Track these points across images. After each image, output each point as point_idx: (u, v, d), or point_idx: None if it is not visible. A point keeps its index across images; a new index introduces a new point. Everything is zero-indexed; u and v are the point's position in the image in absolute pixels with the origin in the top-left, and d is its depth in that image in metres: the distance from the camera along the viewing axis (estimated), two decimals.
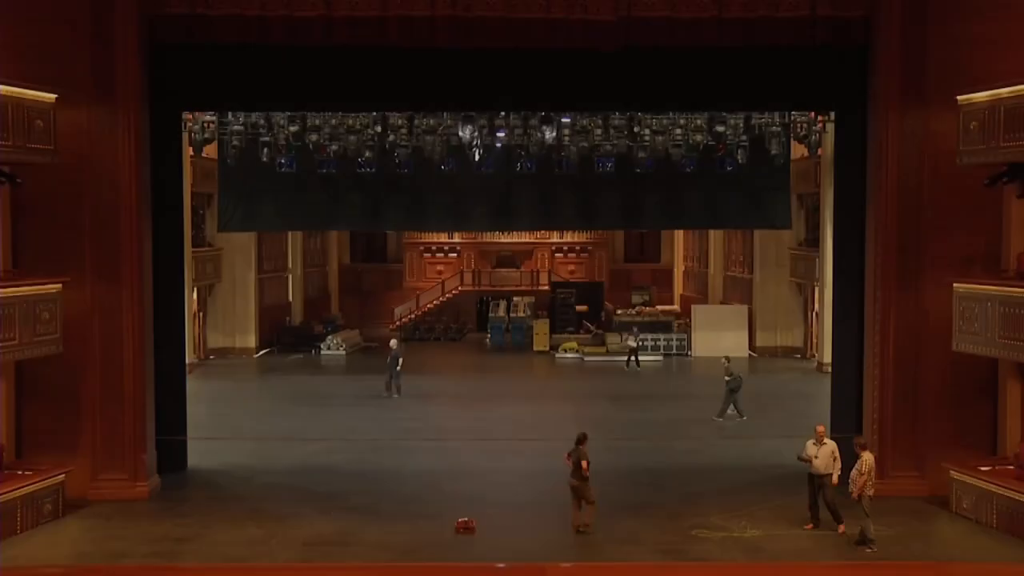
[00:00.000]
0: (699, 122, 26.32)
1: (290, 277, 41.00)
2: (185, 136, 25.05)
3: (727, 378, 26.23)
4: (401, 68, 20.18)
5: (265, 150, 26.74)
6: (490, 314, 42.75)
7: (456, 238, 46.34)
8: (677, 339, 36.97)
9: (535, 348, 38.69)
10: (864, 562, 16.67)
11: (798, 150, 31.63)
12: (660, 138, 26.60)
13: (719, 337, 36.29)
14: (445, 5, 19.31)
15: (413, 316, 43.94)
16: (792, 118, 26.84)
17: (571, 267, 46.94)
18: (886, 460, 19.40)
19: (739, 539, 17.35)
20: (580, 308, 41.19)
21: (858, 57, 19.92)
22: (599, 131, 26.70)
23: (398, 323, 43.35)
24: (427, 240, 46.40)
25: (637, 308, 40.71)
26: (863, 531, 16.91)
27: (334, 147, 26.68)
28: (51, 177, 18.85)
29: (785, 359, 35.69)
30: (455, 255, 46.72)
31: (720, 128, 26.61)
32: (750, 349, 36.44)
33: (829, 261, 27.36)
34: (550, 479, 19.51)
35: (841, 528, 17.41)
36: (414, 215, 30.79)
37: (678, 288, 47.02)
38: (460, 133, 25.82)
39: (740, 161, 27.61)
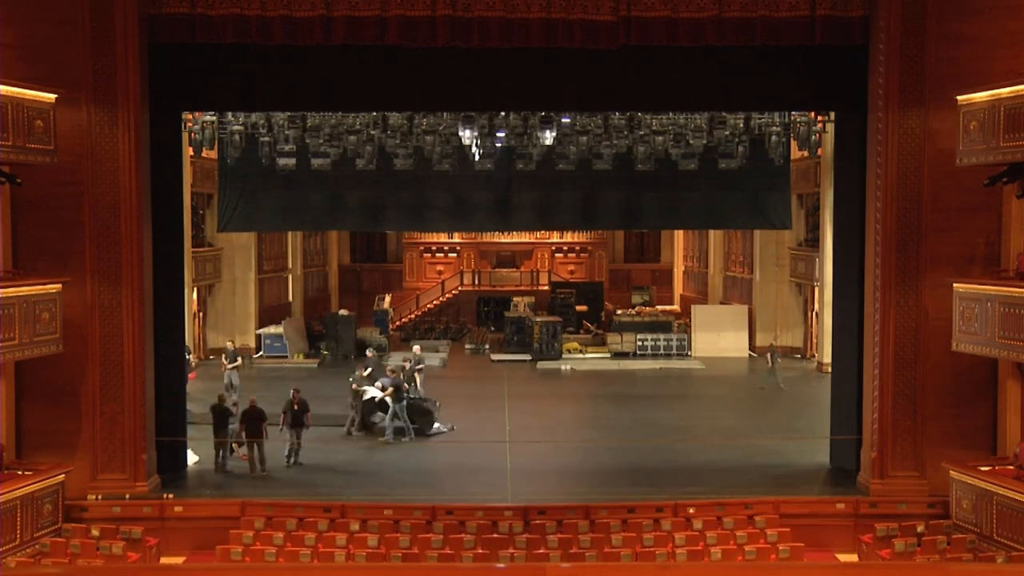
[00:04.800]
0: (699, 122, 26.31)
1: (290, 277, 41.00)
2: (185, 136, 25.06)
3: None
4: (401, 68, 20.19)
5: (265, 150, 26.73)
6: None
7: (456, 238, 46.34)
8: (677, 339, 36.92)
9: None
10: (864, 563, 16.68)
11: (798, 150, 31.61)
12: (660, 138, 26.58)
13: (719, 337, 36.27)
14: (445, 5, 19.31)
15: (413, 316, 43.99)
16: (792, 118, 26.85)
17: (571, 267, 46.95)
18: (886, 460, 19.42)
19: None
20: (580, 308, 41.18)
21: (858, 57, 19.92)
22: (599, 131, 26.69)
23: (399, 323, 43.36)
24: (427, 240, 46.40)
25: (637, 308, 40.69)
26: None
27: (334, 147, 26.67)
28: (51, 177, 18.86)
29: (785, 359, 35.65)
30: (455, 255, 46.73)
31: (720, 128, 26.60)
32: (750, 349, 36.42)
33: (829, 261, 27.36)
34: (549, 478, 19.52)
35: None
36: (414, 215, 30.81)
37: (678, 288, 46.99)
38: (460, 133, 25.81)
39: (740, 161, 27.61)
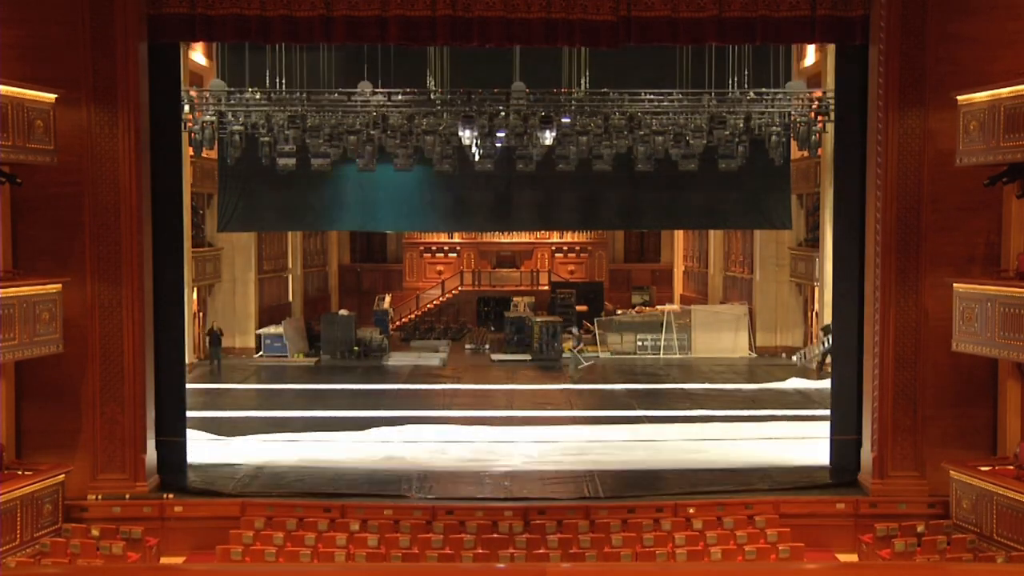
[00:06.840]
0: (699, 122, 26.30)
1: (290, 277, 41.01)
2: (185, 136, 25.06)
3: None
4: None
5: (265, 150, 26.72)
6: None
7: (456, 238, 46.37)
8: (677, 339, 36.92)
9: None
10: (864, 563, 16.68)
11: (798, 150, 31.61)
12: (660, 138, 26.57)
13: (719, 337, 36.26)
14: (445, 5, 19.29)
15: (413, 316, 44.00)
16: (792, 118, 26.84)
17: (571, 267, 46.97)
18: (886, 460, 19.42)
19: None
20: (580, 308, 41.19)
21: (858, 57, 19.91)
22: (599, 131, 26.68)
23: (398, 323, 43.37)
24: (427, 240, 46.43)
25: (637, 308, 40.71)
26: None
27: (334, 147, 26.65)
28: (51, 177, 18.85)
29: (785, 359, 35.67)
30: (455, 255, 46.75)
31: (720, 128, 26.59)
32: (750, 349, 36.41)
33: (829, 261, 27.34)
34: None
35: None
36: (414, 215, 30.83)
37: (678, 288, 47.00)
38: (460, 133, 25.80)
39: (740, 161, 27.59)
